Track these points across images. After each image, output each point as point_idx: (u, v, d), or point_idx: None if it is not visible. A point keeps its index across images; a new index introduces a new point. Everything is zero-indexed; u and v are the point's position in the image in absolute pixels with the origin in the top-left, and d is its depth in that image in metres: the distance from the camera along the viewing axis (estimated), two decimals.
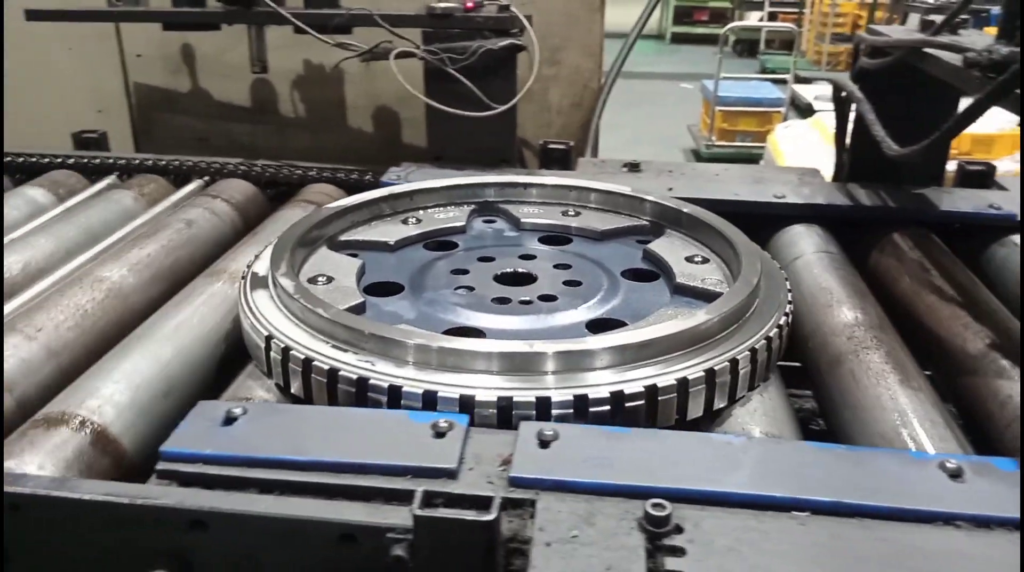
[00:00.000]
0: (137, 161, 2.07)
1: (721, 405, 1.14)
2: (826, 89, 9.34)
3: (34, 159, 2.07)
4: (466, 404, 1.03)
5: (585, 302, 1.33)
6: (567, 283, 1.40)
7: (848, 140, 1.97)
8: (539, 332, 1.25)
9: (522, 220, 1.66)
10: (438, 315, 1.29)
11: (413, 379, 1.06)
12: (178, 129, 2.66)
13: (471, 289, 1.38)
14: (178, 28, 2.20)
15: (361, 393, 1.07)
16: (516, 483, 0.91)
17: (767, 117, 8.87)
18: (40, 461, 1.01)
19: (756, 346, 1.17)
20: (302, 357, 1.12)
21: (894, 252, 1.66)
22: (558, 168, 2.00)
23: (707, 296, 1.31)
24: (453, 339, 1.13)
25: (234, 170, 2.03)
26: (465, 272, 1.44)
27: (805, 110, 9.25)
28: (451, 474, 0.92)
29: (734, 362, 1.14)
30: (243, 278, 1.36)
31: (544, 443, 0.96)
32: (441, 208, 1.69)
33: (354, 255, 1.49)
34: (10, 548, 0.92)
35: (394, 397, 1.05)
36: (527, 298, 1.34)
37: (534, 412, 1.03)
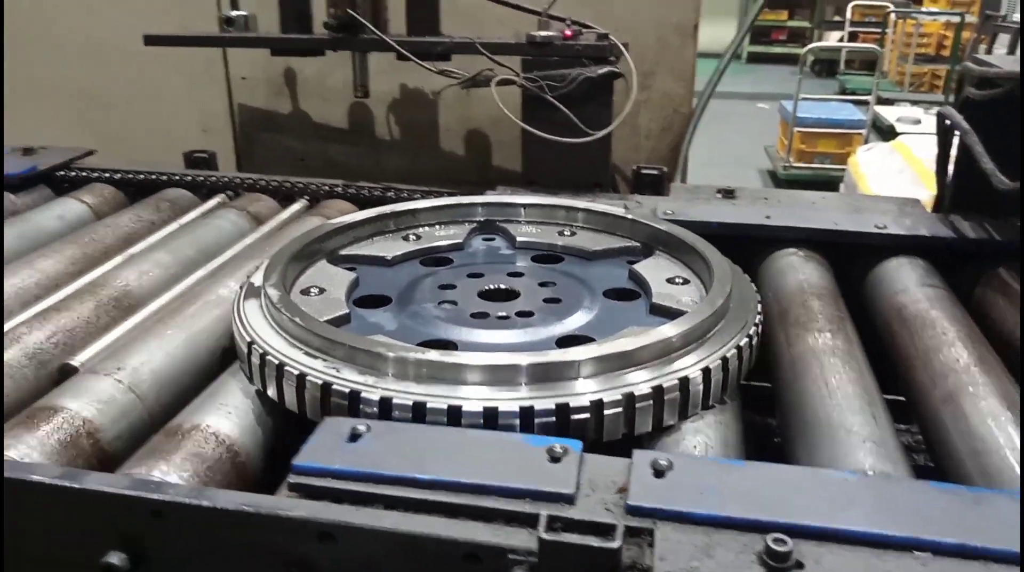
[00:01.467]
0: (244, 181, 2.16)
1: (671, 422, 1.18)
2: (909, 111, 9.13)
3: (153, 177, 2.18)
4: (385, 406, 1.11)
5: (560, 319, 1.38)
6: (547, 300, 1.45)
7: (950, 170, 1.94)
8: (509, 346, 1.30)
9: (518, 239, 1.70)
10: (417, 327, 1.36)
11: (371, 386, 1.13)
12: (278, 149, 2.77)
13: (454, 303, 1.44)
14: (285, 54, 2.29)
15: (325, 397, 1.14)
16: (634, 512, 0.92)
17: (847, 139, 8.69)
18: (173, 468, 1.08)
19: (711, 365, 1.19)
20: (276, 362, 1.20)
21: (1000, 286, 1.63)
22: (650, 193, 2.02)
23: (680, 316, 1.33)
24: (396, 347, 1.18)
25: (338, 191, 2.10)
26: (452, 287, 1.50)
27: (887, 132, 9.04)
28: (569, 499, 0.94)
29: (684, 380, 1.17)
30: (240, 287, 1.44)
31: (659, 472, 0.97)
32: (442, 226, 1.75)
33: (351, 269, 1.56)
34: (151, 552, 0.98)
35: (353, 402, 1.12)
36: (504, 314, 1.40)
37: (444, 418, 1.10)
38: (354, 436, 1.04)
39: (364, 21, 2.05)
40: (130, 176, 2.20)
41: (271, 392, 1.22)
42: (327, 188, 2.11)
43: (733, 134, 10.42)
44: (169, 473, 1.07)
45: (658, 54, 2.49)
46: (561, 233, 1.73)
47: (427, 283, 1.52)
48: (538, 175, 2.06)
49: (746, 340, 1.29)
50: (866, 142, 8.36)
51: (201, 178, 2.18)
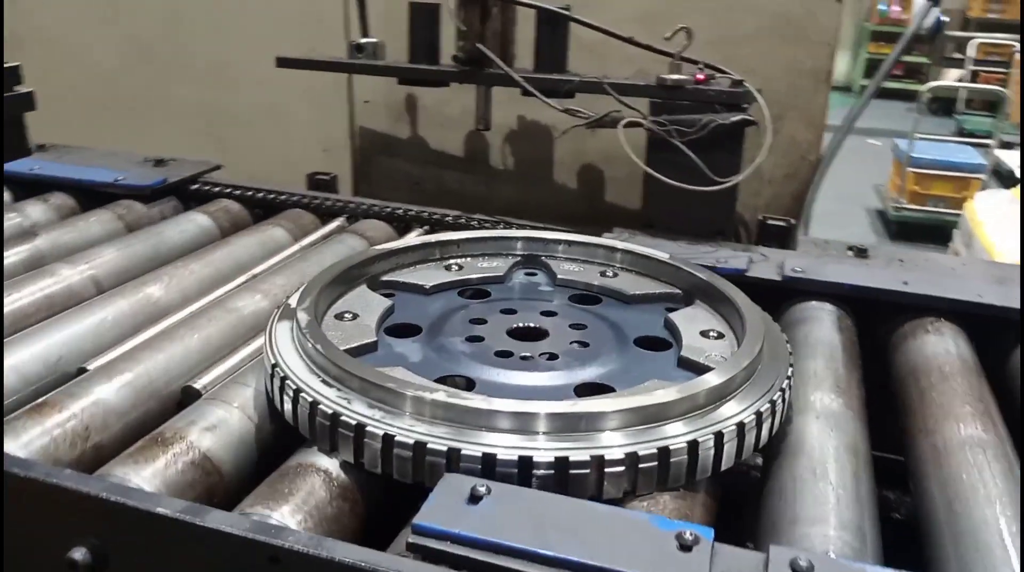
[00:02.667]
0: (361, 206, 2.19)
1: (645, 491, 1.12)
2: None
3: (272, 196, 2.23)
4: (387, 442, 1.10)
5: (583, 365, 1.34)
6: (575, 343, 1.42)
7: None
8: (526, 389, 1.27)
9: (558, 276, 1.68)
10: (439, 361, 1.35)
11: (377, 421, 1.12)
12: (394, 173, 2.80)
13: (481, 339, 1.42)
14: (412, 84, 2.31)
15: (334, 428, 1.14)
16: None
17: (965, 183, 8.30)
18: (290, 511, 1.08)
19: (699, 439, 1.12)
20: (293, 388, 1.20)
21: None
22: (775, 246, 1.94)
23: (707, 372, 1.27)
24: (407, 384, 1.17)
25: (449, 222, 2.10)
26: (483, 322, 1.48)
27: (1008, 178, 8.58)
28: None
29: (664, 450, 1.10)
30: (277, 308, 1.44)
31: None
32: (485, 258, 1.74)
33: (390, 295, 1.56)
34: None
35: (359, 435, 1.12)
36: (529, 354, 1.37)
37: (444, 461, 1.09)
38: (474, 497, 1.01)
39: (492, 56, 2.04)
40: (254, 194, 2.25)
41: (287, 416, 1.23)
42: (443, 218, 2.11)
43: (841, 170, 10.03)
44: (286, 516, 1.06)
45: (789, 99, 2.40)
46: (603, 273, 1.70)
47: (459, 316, 1.51)
48: (658, 219, 2.01)
49: (767, 406, 1.21)
50: (985, 187, 7.97)
51: (320, 200, 2.21)
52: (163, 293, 1.70)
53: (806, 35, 2.36)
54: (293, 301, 1.42)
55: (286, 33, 2.74)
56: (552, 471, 1.08)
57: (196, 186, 2.31)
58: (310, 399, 1.18)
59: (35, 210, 2.13)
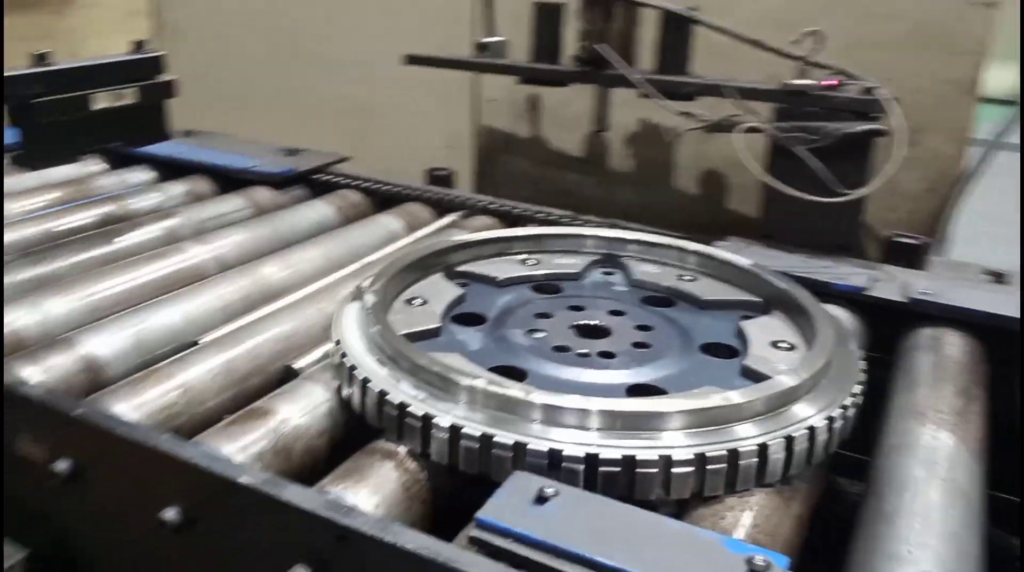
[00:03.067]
0: (479, 202, 2.21)
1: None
2: None
3: (392, 188, 2.29)
4: (426, 422, 1.12)
5: (640, 365, 1.32)
6: (636, 344, 1.39)
7: None
8: (577, 385, 1.25)
9: (634, 277, 1.66)
10: (496, 351, 1.36)
11: (419, 401, 1.15)
12: (513, 171, 2.82)
13: (543, 332, 1.41)
14: (532, 83, 2.32)
15: (380, 405, 1.18)
16: None
17: None
18: (367, 493, 1.10)
19: (727, 450, 1.07)
20: (349, 365, 1.24)
21: None
22: (904, 265, 1.82)
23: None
24: (452, 369, 1.18)
25: (565, 223, 2.08)
26: (549, 316, 1.48)
27: None
28: None
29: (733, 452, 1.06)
30: (353, 289, 1.47)
31: None
32: (564, 254, 1.74)
33: (464, 285, 1.58)
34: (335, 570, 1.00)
35: (401, 414, 1.15)
36: (586, 351, 1.36)
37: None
38: (541, 498, 1.00)
39: (611, 57, 2.02)
40: (377, 186, 2.32)
41: (344, 391, 1.27)
42: (555, 219, 2.11)
43: (994, 189, 9.32)
44: (360, 499, 1.08)
45: (933, 111, 2.25)
46: (681, 277, 1.66)
47: (526, 309, 1.52)
48: (776, 230, 1.93)
49: (824, 422, 1.14)
50: None
51: (438, 195, 2.25)
52: (278, 275, 1.78)
53: (952, 43, 2.20)
54: (366, 284, 1.46)
55: (423, 31, 2.82)
56: (618, 468, 1.06)
57: (323, 176, 2.40)
58: (361, 376, 1.22)
59: (175, 190, 2.28)
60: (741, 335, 1.43)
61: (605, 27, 2.09)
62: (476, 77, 2.79)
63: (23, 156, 1.61)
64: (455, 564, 0.91)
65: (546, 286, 1.65)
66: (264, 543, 1.05)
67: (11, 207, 2.06)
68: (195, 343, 1.51)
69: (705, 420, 1.11)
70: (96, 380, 1.40)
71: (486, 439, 1.09)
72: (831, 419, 1.17)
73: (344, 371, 1.26)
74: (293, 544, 1.02)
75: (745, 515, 1.08)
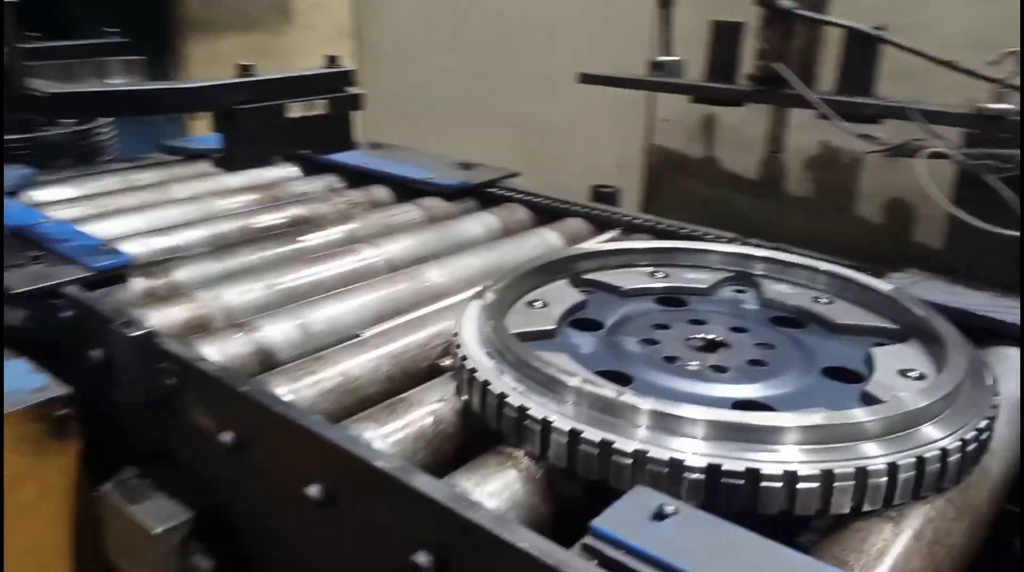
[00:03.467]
0: (639, 220, 2.20)
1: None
2: None
3: (556, 203, 2.34)
4: (521, 413, 1.16)
5: (752, 382, 1.29)
6: (752, 361, 1.36)
7: None
8: (682, 394, 1.24)
9: (766, 296, 1.62)
10: (605, 356, 1.37)
11: (518, 393, 1.19)
12: (684, 192, 2.79)
13: (656, 342, 1.41)
14: (706, 102, 2.29)
15: (483, 396, 1.23)
16: None
17: None
18: (492, 489, 1.13)
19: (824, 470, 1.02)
20: (460, 355, 1.31)
21: None
22: None
23: None
24: (554, 367, 1.21)
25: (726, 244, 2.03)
26: (666, 328, 1.47)
27: None
28: None
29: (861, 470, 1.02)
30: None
31: None
32: (696, 269, 1.72)
33: (589, 292, 1.61)
34: (454, 563, 1.03)
35: (500, 405, 1.19)
36: (698, 364, 1.34)
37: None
38: (660, 515, 0.98)
39: (789, 76, 1.95)
40: (540, 200, 2.37)
41: (457, 380, 1.33)
42: (717, 239, 2.06)
43: None
44: (485, 495, 1.11)
45: None
46: (816, 299, 1.60)
47: (645, 319, 1.52)
48: (961, 264, 1.78)
49: (936, 452, 1.08)
50: None
51: (599, 211, 2.27)
52: (439, 279, 1.87)
53: None
54: (490, 284, 1.52)
55: (601, 50, 2.85)
56: (741, 481, 1.04)
57: (493, 189, 2.49)
58: (470, 366, 1.28)
59: (358, 198, 2.44)
60: (869, 361, 1.37)
61: (784, 46, 2.04)
62: (650, 96, 2.79)
63: (223, 159, 1.79)
64: (564, 569, 0.92)
65: (671, 299, 1.64)
66: (393, 527, 1.10)
67: (215, 205, 2.29)
68: (357, 336, 1.61)
69: (824, 437, 1.08)
70: (267, 362, 1.53)
71: (574, 434, 1.12)
72: (951, 448, 1.10)
73: (457, 361, 1.33)
74: (419, 531, 1.06)
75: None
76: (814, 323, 1.54)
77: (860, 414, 1.10)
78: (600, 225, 2.25)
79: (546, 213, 2.34)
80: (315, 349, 1.56)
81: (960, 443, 1.11)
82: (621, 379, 1.28)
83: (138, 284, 1.74)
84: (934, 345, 1.37)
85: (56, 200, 2.25)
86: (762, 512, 1.04)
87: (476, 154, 2.74)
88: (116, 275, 1.71)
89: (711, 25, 2.17)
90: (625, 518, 0.99)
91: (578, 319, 1.52)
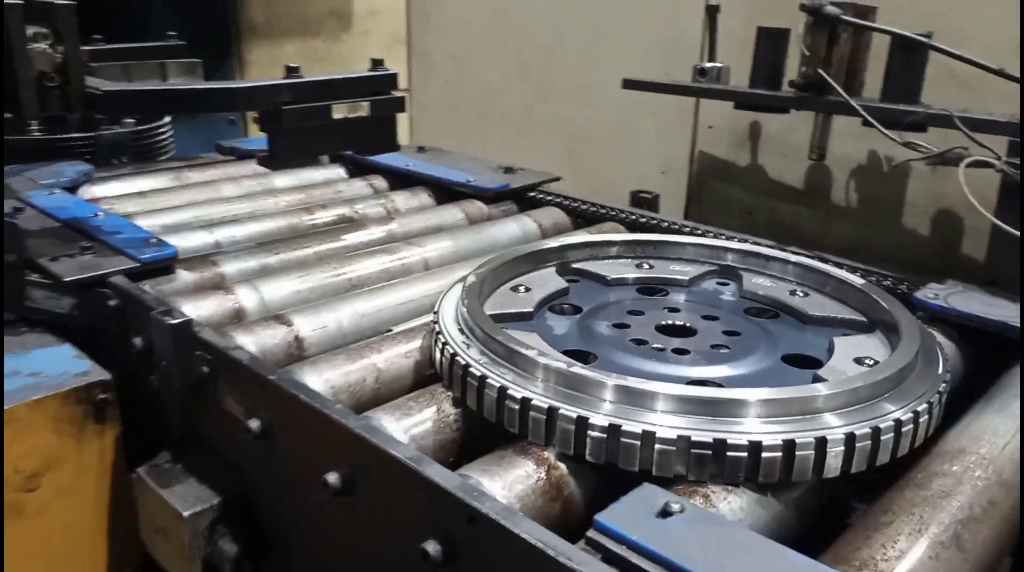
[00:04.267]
0: (676, 225, 2.20)
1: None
2: None
3: (594, 208, 2.34)
4: (471, 375, 1.26)
5: (709, 364, 1.36)
6: (715, 346, 1.42)
7: None
8: (639, 372, 1.30)
9: (744, 288, 1.68)
10: (575, 336, 1.45)
11: (476, 363, 1.27)
12: (727, 199, 2.76)
13: (627, 326, 1.48)
14: (749, 108, 2.27)
15: (451, 365, 1.31)
16: None
17: None
18: (501, 482, 1.14)
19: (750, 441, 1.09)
20: (437, 331, 1.39)
21: None
22: None
23: None
24: (519, 343, 1.28)
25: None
26: (640, 313, 1.54)
27: None
28: None
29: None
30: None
31: None
32: (680, 262, 1.79)
33: (574, 280, 1.69)
34: (462, 552, 1.05)
35: (465, 374, 1.27)
36: (661, 346, 1.41)
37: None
38: (665, 512, 0.99)
39: (833, 82, 1.93)
40: (579, 205, 2.38)
41: (435, 354, 1.38)
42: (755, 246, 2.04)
43: None
44: (495, 487, 1.12)
45: None
46: (792, 292, 1.66)
47: (622, 305, 1.59)
48: (1002, 276, 1.73)
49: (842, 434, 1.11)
50: None
51: (637, 216, 2.26)
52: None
53: None
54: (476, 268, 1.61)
55: (647, 56, 2.85)
56: (604, 435, 1.13)
57: (533, 193, 2.50)
58: (443, 340, 1.36)
59: (400, 199, 2.49)
60: (831, 349, 1.41)
61: (829, 52, 2.01)
62: (696, 103, 2.77)
63: (267, 158, 1.85)
64: (567, 561, 0.93)
65: (653, 289, 1.70)
66: (406, 515, 1.12)
67: (267, 203, 2.36)
68: (389, 331, 1.64)
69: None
70: (299, 354, 1.57)
71: (502, 391, 1.21)
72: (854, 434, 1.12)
73: (435, 335, 1.40)
74: (429, 519, 1.08)
75: None
76: (787, 314, 1.59)
77: (752, 394, 1.15)
78: (636, 230, 2.24)
79: (584, 217, 2.35)
80: (346, 342, 1.59)
81: (848, 434, 1.12)
82: (586, 358, 1.36)
83: (183, 276, 1.81)
84: (894, 335, 1.40)
85: (112, 195, 2.34)
86: (623, 467, 1.14)
87: (521, 159, 2.77)
88: (162, 267, 1.78)
89: (757, 31, 2.16)
90: (630, 514, 1.00)
91: (558, 304, 1.60)
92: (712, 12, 2.33)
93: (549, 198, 2.46)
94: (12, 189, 2.20)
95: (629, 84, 2.42)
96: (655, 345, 1.42)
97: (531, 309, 1.53)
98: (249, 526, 1.42)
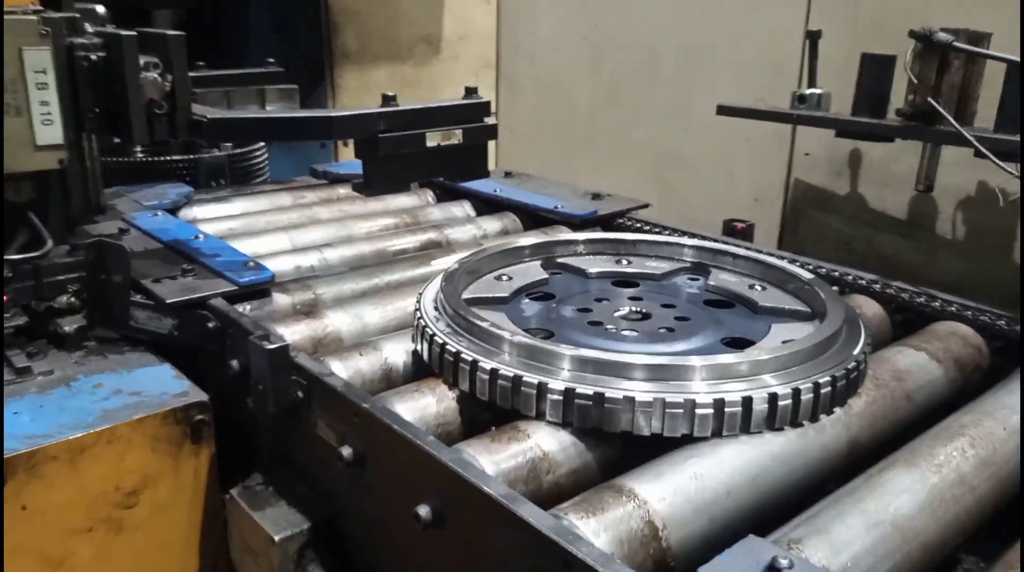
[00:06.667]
0: (774, 257, 2.12)
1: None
2: None
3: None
4: (441, 350, 1.45)
5: (651, 342, 1.52)
6: (664, 329, 1.58)
7: None
8: (587, 345, 1.44)
9: (710, 282, 1.82)
10: (542, 318, 1.62)
11: (450, 340, 1.44)
12: (824, 229, 2.67)
13: (588, 311, 1.64)
14: (852, 137, 2.19)
15: (422, 338, 1.50)
16: None
17: None
18: (597, 528, 1.11)
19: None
20: (419, 317, 1.54)
21: None
22: None
23: None
24: (483, 318, 1.47)
25: (875, 289, 1.92)
26: (606, 301, 1.70)
27: None
28: None
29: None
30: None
31: None
32: (657, 259, 1.93)
33: (556, 273, 1.85)
34: None
35: (440, 349, 1.44)
36: (612, 328, 1.56)
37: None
38: (773, 568, 0.94)
39: (943, 111, 1.84)
40: (661, 232, 2.33)
41: (417, 345, 1.53)
42: (860, 282, 1.96)
43: None
44: (591, 531, 1.09)
45: None
46: (751, 286, 1.77)
47: (594, 294, 1.74)
48: None
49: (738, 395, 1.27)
50: None
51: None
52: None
53: None
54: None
55: (742, 80, 2.79)
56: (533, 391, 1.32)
57: (621, 220, 2.47)
58: (423, 323, 1.51)
59: (488, 224, 2.49)
60: (766, 334, 1.55)
61: (939, 80, 1.92)
62: (793, 129, 2.70)
63: (362, 185, 1.87)
64: None
65: (626, 282, 1.83)
66: (497, 553, 1.10)
67: (359, 227, 2.40)
68: None
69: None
70: (391, 382, 1.57)
71: (457, 355, 1.41)
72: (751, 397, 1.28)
73: (419, 323, 1.53)
74: (522, 559, 1.06)
75: None
76: (741, 305, 1.73)
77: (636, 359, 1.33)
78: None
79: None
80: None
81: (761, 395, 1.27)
82: (546, 335, 1.52)
83: (279, 299, 1.84)
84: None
85: (211, 217, 2.41)
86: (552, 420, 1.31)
87: (609, 184, 2.74)
88: (260, 290, 1.81)
89: (861, 58, 2.08)
90: (735, 568, 0.95)
91: (534, 292, 1.76)
92: (813, 38, 2.27)
93: (638, 225, 2.42)
94: (117, 210, 2.29)
95: (724, 110, 2.37)
96: (607, 326, 1.57)
97: (507, 295, 1.69)
98: (337, 553, 1.42)
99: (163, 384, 1.59)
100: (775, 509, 1.26)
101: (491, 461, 1.25)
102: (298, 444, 1.50)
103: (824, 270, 2.02)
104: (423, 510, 1.18)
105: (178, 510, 1.55)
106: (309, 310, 1.79)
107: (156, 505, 1.52)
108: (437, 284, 1.64)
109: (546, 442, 1.30)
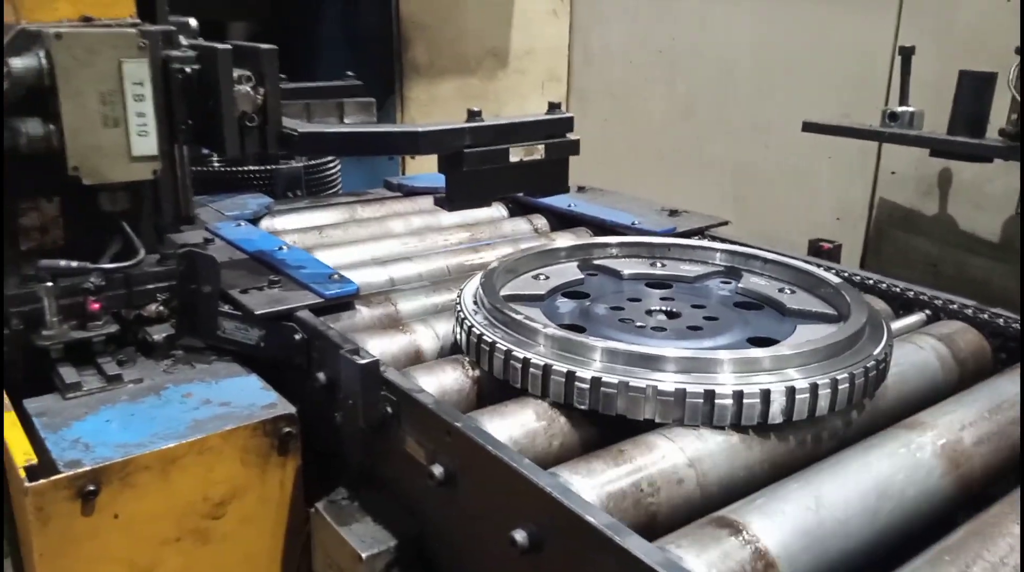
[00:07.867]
0: (858, 277, 2.06)
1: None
2: None
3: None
4: (480, 340, 1.52)
5: (677, 340, 1.55)
6: (691, 328, 1.62)
7: None
8: (617, 338, 1.50)
9: (740, 286, 1.86)
10: (576, 315, 1.68)
11: (485, 329, 1.52)
12: (909, 250, 2.59)
13: (621, 309, 1.69)
14: (948, 157, 2.12)
15: (460, 328, 1.59)
16: None
17: None
18: (708, 562, 1.07)
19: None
20: (458, 308, 1.62)
21: None
22: None
23: None
24: (518, 312, 1.54)
25: (967, 314, 1.85)
26: (638, 301, 1.75)
27: None
28: None
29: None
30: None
31: None
32: (690, 263, 1.99)
33: (592, 274, 1.92)
34: None
35: (476, 340, 1.53)
36: (642, 325, 1.61)
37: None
38: None
39: None
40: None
41: (456, 334, 1.62)
42: (953, 306, 1.88)
43: None
44: (698, 565, 1.05)
45: None
46: (781, 289, 1.81)
47: (628, 294, 1.80)
48: None
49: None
50: None
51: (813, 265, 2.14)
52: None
53: None
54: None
55: (825, 97, 2.73)
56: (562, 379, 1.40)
57: (700, 237, 2.42)
58: (462, 315, 1.59)
59: (563, 240, 2.46)
60: (791, 335, 1.58)
61: None
62: (879, 147, 2.62)
63: (444, 199, 1.86)
64: None
65: (660, 284, 1.88)
66: None
67: (435, 240, 2.40)
68: None
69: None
70: (475, 398, 1.56)
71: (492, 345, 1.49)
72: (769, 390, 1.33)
73: (458, 315, 1.62)
74: None
75: None
76: (770, 307, 1.77)
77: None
78: None
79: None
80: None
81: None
82: (578, 330, 1.55)
83: (363, 312, 1.84)
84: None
85: (290, 229, 2.43)
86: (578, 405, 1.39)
87: (682, 200, 2.69)
88: (344, 303, 1.81)
89: (959, 76, 2.01)
90: None
91: (570, 291, 1.82)
92: (906, 54, 2.20)
93: (715, 243, 2.37)
94: (201, 220, 2.32)
95: (809, 127, 2.32)
96: (638, 323, 1.62)
97: (543, 292, 1.76)
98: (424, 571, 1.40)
99: (251, 395, 1.59)
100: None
101: (587, 485, 1.22)
102: (385, 460, 1.48)
103: (912, 293, 1.95)
104: (519, 535, 1.15)
105: (263, 522, 1.55)
106: (392, 323, 1.79)
107: (242, 517, 1.52)
108: (476, 282, 1.72)
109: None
